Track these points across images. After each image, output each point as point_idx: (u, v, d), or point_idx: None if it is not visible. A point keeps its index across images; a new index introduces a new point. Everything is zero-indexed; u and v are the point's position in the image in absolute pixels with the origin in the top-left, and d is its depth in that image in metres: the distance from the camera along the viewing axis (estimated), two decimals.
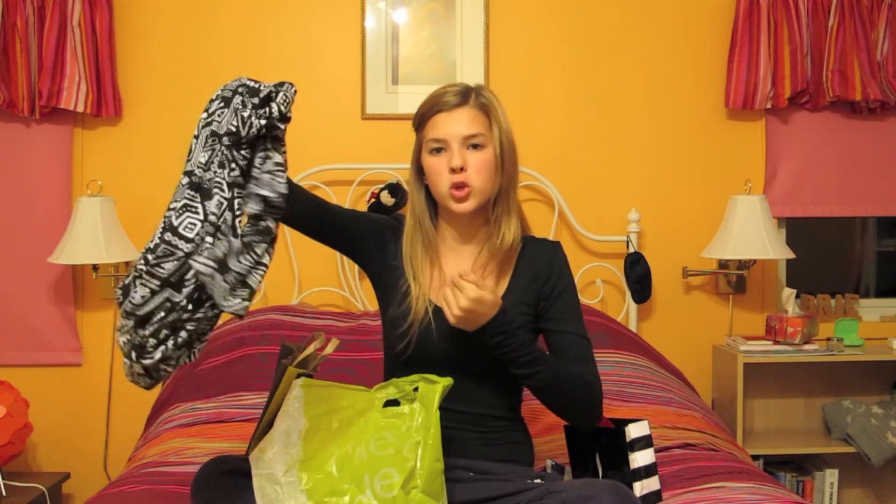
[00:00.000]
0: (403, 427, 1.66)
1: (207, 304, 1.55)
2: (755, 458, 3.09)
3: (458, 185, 1.83)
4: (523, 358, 1.78)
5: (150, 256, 1.51)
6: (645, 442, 1.89)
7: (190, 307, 1.54)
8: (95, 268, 3.18)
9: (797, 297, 3.44)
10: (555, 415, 1.91)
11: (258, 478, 1.65)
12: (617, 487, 1.61)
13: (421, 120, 1.90)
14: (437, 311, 1.83)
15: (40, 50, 3.12)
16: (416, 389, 1.71)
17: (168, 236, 1.52)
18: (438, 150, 1.86)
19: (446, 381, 1.70)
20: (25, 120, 3.22)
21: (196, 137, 1.59)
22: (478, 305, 1.71)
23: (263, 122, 1.58)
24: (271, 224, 1.62)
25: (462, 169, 1.83)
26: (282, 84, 1.60)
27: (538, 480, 1.86)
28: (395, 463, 1.65)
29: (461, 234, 1.93)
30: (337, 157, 3.29)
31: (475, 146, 1.84)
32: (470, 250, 1.93)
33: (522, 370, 1.78)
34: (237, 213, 1.57)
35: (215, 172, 1.56)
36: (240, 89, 1.60)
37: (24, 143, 3.24)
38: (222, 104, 1.60)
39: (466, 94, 1.87)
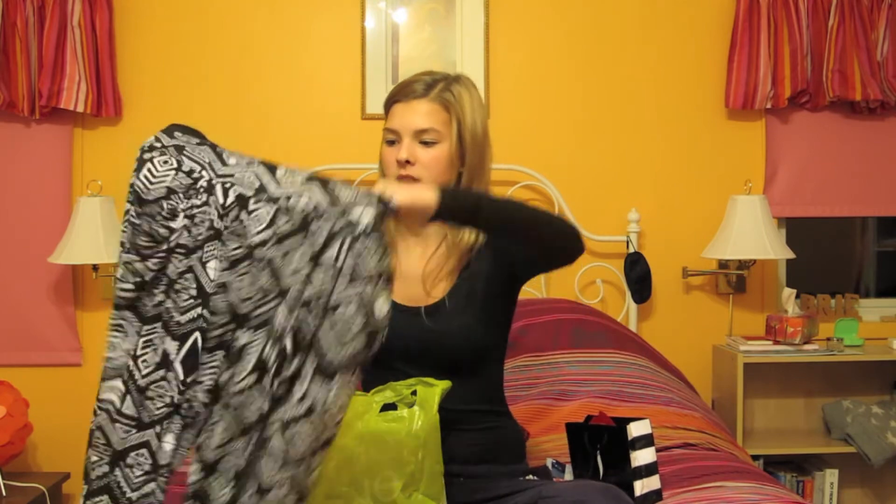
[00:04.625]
0: (403, 430, 1.65)
1: None
2: (755, 458, 3.09)
3: (403, 178, 1.78)
4: (491, 200, 1.61)
5: None
6: (646, 441, 1.89)
7: None
8: (95, 268, 3.18)
9: (797, 297, 3.44)
10: (542, 250, 1.74)
11: None
12: (609, 489, 1.60)
13: (385, 107, 1.88)
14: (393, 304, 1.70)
15: (40, 50, 3.12)
16: (413, 393, 1.70)
17: None
18: (392, 142, 1.82)
19: (444, 384, 1.69)
20: (25, 120, 3.22)
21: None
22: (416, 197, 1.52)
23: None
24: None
25: (409, 163, 1.77)
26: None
27: (531, 477, 1.85)
28: (394, 466, 1.64)
29: (410, 226, 1.86)
30: (337, 157, 3.29)
31: (426, 142, 1.79)
32: (419, 243, 1.87)
33: (502, 212, 1.62)
34: None
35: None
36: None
37: (24, 143, 3.24)
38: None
39: (431, 86, 1.82)
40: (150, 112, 3.29)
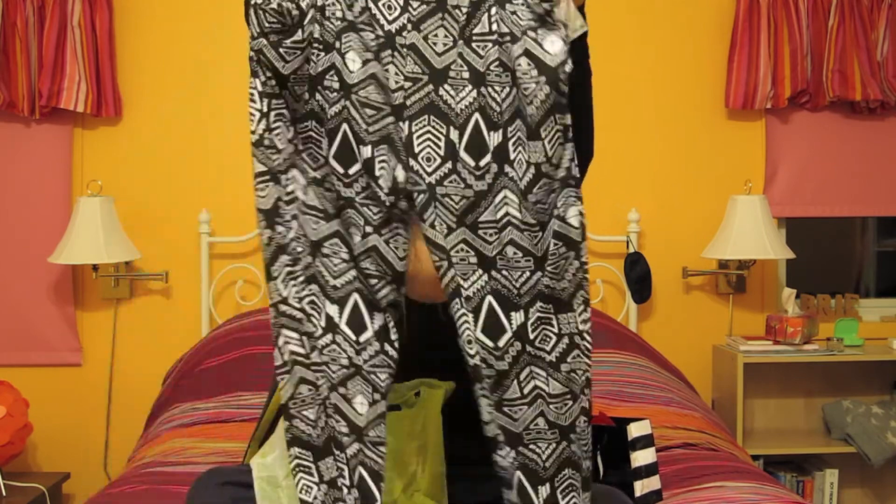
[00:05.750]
0: (405, 431, 1.65)
1: None
2: (755, 458, 3.09)
3: None
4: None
5: None
6: (646, 441, 1.89)
7: None
8: (95, 268, 3.18)
9: (797, 297, 3.44)
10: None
11: (259, 480, 1.64)
12: (612, 494, 1.60)
13: None
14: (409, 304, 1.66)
15: (40, 50, 3.12)
16: (417, 394, 1.70)
17: None
18: None
19: (448, 385, 1.69)
20: (25, 120, 3.22)
21: None
22: None
23: None
24: None
25: None
26: None
27: None
28: (395, 466, 1.64)
29: None
30: None
31: None
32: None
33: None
34: None
35: None
36: None
37: (24, 143, 3.24)
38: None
39: None
40: (150, 112, 3.29)
